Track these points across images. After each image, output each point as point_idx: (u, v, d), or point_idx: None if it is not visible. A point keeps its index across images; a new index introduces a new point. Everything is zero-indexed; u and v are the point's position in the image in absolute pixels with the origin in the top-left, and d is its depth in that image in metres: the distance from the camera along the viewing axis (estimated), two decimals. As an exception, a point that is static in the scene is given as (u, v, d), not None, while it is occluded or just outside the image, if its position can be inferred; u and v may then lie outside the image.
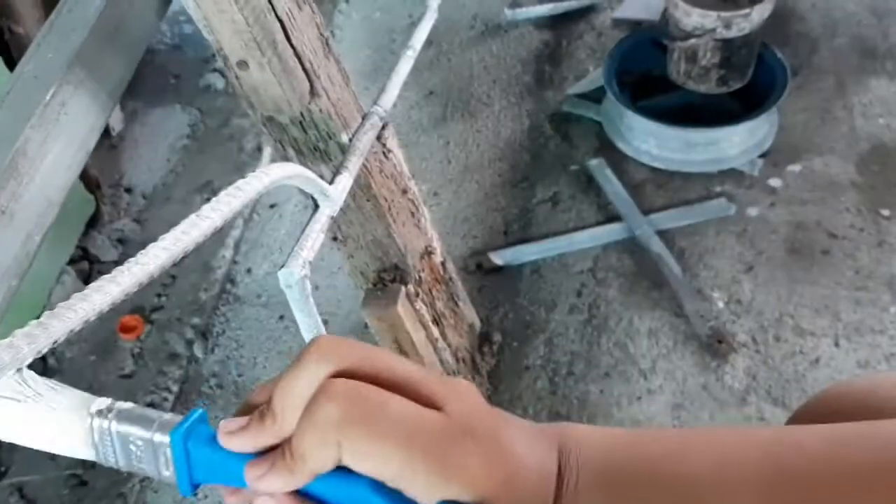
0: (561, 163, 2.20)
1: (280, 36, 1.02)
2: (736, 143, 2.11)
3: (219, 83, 2.53)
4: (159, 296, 2.03)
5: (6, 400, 0.45)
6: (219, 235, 2.14)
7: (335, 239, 1.37)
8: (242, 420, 0.45)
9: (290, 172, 0.84)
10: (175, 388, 1.87)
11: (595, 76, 2.36)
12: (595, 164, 2.13)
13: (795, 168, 2.11)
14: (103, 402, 0.47)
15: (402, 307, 1.33)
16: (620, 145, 2.17)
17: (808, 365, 1.73)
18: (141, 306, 2.00)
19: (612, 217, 2.04)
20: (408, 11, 2.79)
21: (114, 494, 1.72)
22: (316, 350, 0.44)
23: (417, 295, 1.40)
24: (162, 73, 2.59)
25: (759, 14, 1.98)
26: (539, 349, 1.84)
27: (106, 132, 2.33)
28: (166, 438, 0.45)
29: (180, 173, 2.30)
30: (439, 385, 0.44)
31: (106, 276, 0.56)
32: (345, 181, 1.09)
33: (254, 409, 0.45)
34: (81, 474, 1.75)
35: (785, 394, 1.70)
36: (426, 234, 1.45)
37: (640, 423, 1.70)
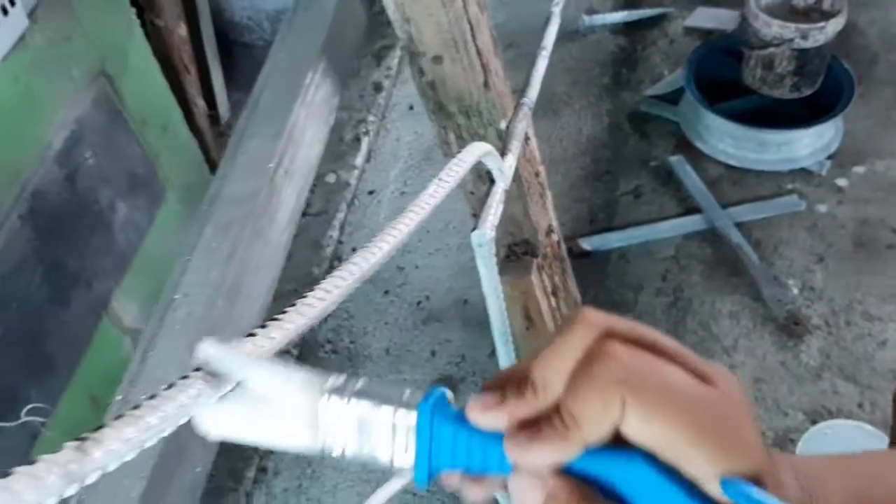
0: (641, 159, 2.38)
1: (469, 36, 1.21)
2: (806, 144, 2.28)
3: (316, 78, 2.72)
4: (274, 270, 2.21)
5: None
6: (326, 217, 2.33)
7: (475, 215, 1.54)
8: (494, 395, 0.40)
9: (484, 150, 1.03)
10: (294, 352, 2.05)
11: (670, 79, 2.54)
12: (675, 160, 2.31)
13: (860, 170, 2.27)
14: (337, 379, 0.41)
15: (534, 277, 1.51)
16: (698, 144, 2.34)
17: (877, 346, 1.90)
18: (258, 279, 2.18)
19: (692, 209, 2.21)
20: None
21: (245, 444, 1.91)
22: (583, 317, 0.40)
23: (542, 268, 1.58)
24: (261, 67, 2.77)
25: (833, 27, 2.15)
26: (628, 327, 2.01)
27: (216, 120, 2.52)
28: (410, 417, 0.40)
29: (285, 160, 2.49)
30: (704, 363, 0.41)
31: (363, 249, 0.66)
32: (511, 161, 1.27)
33: (502, 387, 0.40)
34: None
35: (856, 371, 1.87)
36: (548, 214, 1.63)
37: (724, 395, 1.87)
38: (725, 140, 2.30)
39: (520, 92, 1.46)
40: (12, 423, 1.42)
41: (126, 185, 1.84)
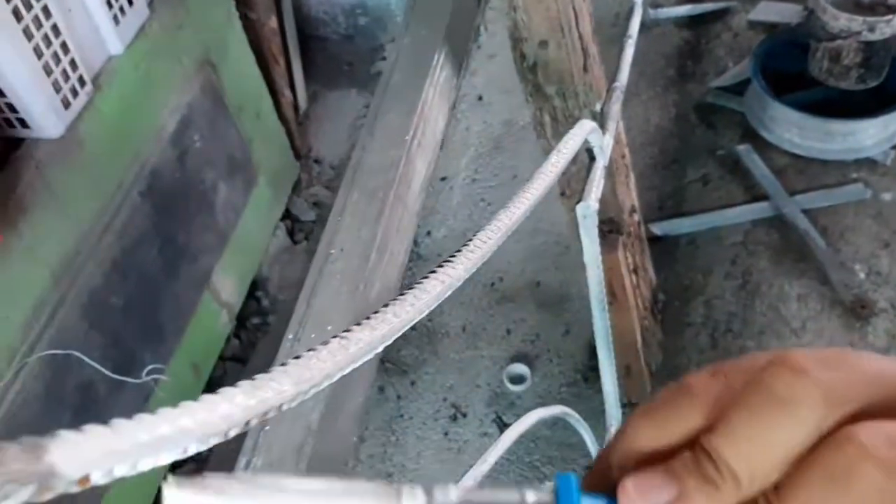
0: (708, 148, 2.45)
1: (573, 22, 1.29)
2: (871, 134, 2.33)
3: (389, 70, 2.82)
4: (354, 252, 2.32)
5: None
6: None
7: (563, 194, 1.64)
8: (655, 478, 0.30)
9: (590, 127, 1.12)
10: (377, 330, 2.16)
11: (736, 71, 2.60)
12: (743, 149, 2.37)
13: (925, 159, 2.33)
14: (413, 492, 0.30)
15: (620, 253, 1.60)
16: (764, 134, 2.40)
17: (944, 329, 1.96)
18: (340, 260, 2.29)
19: (759, 197, 2.28)
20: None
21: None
22: (813, 386, 0.29)
23: (626, 246, 1.67)
24: (336, 60, 2.89)
25: (900, 19, 2.20)
26: (699, 309, 2.09)
27: (295, 109, 2.63)
28: None
29: (361, 148, 2.60)
30: None
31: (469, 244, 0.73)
32: (608, 140, 1.36)
33: (635, 455, 0.32)
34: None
35: (924, 353, 1.93)
36: (632, 195, 1.71)
37: (793, 374, 1.93)
38: (791, 130, 2.36)
39: (611, 76, 1.54)
40: (137, 380, 1.54)
41: (226, 168, 1.96)
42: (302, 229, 2.40)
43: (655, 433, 0.31)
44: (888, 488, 0.27)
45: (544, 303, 2.20)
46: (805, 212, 2.21)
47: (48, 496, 0.33)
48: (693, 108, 2.58)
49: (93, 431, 0.36)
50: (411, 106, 1.07)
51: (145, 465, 0.38)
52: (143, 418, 0.38)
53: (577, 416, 1.28)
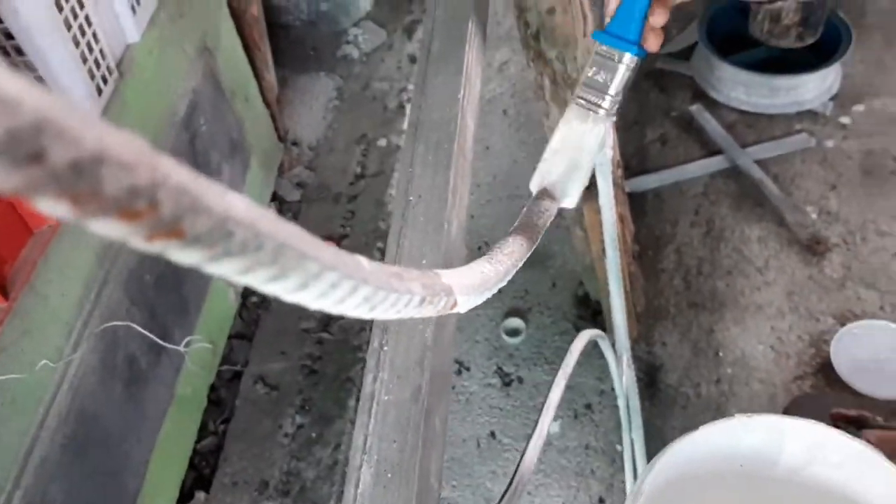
0: (662, 110, 2.63)
1: (576, -10, 1.43)
2: (811, 88, 2.54)
3: (354, 53, 2.92)
4: (343, 226, 2.43)
5: None
6: (383, 178, 2.54)
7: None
8: None
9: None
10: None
11: (681, 38, 2.79)
12: (695, 108, 2.56)
13: (860, 108, 2.55)
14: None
15: (613, 203, 1.75)
16: (712, 94, 2.60)
17: (890, 257, 2.17)
18: (330, 236, 2.40)
19: (714, 151, 2.47)
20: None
21: (343, 378, 2.13)
22: None
23: (615, 196, 1.82)
24: (300, 45, 2.97)
25: (831, -19, 2.41)
26: (671, 256, 2.27)
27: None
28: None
29: (336, 129, 2.70)
30: None
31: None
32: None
33: None
34: (310, 364, 2.16)
35: (875, 280, 2.14)
36: (616, 151, 1.87)
37: (762, 308, 2.13)
38: (738, 88, 2.56)
39: (597, 42, 1.69)
40: (177, 347, 1.63)
41: (227, 150, 2.04)
42: (290, 209, 2.49)
43: None
44: None
45: (530, 261, 2.34)
46: (757, 162, 2.41)
47: (441, 311, 0.46)
48: (645, 75, 2.75)
49: (467, 270, 0.49)
50: (457, 68, 1.20)
51: (480, 298, 0.52)
52: (488, 263, 0.53)
53: (606, 338, 1.43)
